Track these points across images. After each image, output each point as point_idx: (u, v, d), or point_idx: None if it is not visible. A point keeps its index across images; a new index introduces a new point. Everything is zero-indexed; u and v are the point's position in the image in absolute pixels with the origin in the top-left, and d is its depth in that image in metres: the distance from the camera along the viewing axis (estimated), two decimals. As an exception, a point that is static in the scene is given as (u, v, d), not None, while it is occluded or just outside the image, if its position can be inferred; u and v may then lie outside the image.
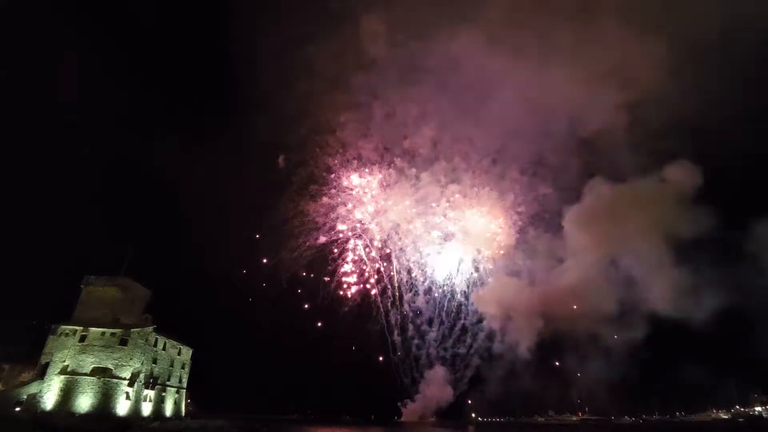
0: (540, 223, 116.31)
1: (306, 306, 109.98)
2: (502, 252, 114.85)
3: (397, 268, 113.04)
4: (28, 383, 51.98)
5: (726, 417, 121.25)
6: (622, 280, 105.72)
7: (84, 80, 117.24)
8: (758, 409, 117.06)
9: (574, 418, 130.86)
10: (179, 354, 64.13)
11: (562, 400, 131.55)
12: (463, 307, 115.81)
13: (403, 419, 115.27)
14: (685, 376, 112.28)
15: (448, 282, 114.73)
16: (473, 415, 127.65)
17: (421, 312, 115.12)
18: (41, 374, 52.27)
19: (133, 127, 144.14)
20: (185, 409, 65.67)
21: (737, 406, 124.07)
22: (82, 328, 54.45)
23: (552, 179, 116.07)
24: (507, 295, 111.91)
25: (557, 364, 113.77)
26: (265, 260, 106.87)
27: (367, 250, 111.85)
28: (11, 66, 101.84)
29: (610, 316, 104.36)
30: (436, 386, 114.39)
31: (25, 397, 50.43)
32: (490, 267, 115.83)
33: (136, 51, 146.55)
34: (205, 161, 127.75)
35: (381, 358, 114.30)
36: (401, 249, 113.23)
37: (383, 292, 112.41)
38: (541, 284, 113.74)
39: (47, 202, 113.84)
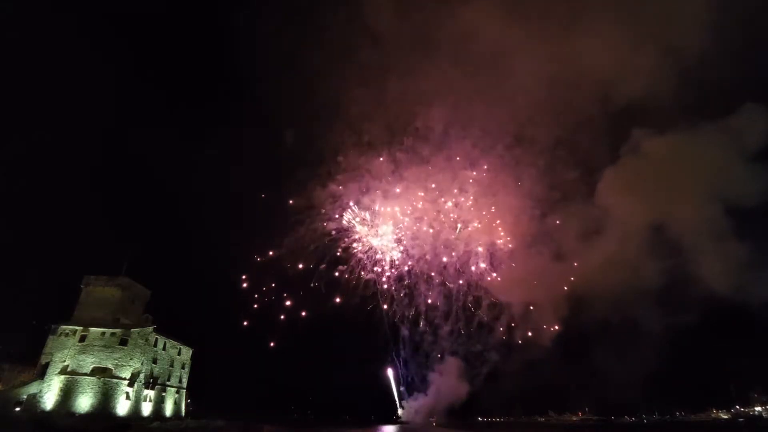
0: (561, 208, 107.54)
1: (308, 302, 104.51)
2: (522, 238, 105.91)
3: (413, 256, 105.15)
4: (28, 383, 51.98)
5: (726, 417, 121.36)
6: (665, 254, 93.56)
7: (81, 76, 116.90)
8: (758, 409, 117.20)
9: (574, 418, 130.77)
10: (179, 354, 64.12)
11: (575, 398, 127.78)
12: (479, 300, 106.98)
13: (405, 419, 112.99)
14: (733, 368, 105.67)
15: (464, 273, 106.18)
16: (479, 418, 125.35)
17: (435, 305, 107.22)
18: (41, 374, 52.27)
19: (132, 123, 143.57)
20: (185, 409, 65.56)
21: (737, 406, 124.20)
22: (82, 328, 54.48)
23: (577, 161, 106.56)
24: (529, 278, 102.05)
25: (578, 357, 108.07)
26: (270, 253, 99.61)
27: (376, 239, 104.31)
28: (6, 62, 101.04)
29: (647, 297, 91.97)
30: (449, 381, 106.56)
31: (25, 397, 50.43)
32: (509, 250, 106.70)
33: (130, 39, 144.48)
34: (204, 156, 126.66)
35: (386, 355, 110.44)
36: (413, 237, 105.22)
37: (395, 284, 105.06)
38: (569, 258, 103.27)
39: (47, 201, 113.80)
